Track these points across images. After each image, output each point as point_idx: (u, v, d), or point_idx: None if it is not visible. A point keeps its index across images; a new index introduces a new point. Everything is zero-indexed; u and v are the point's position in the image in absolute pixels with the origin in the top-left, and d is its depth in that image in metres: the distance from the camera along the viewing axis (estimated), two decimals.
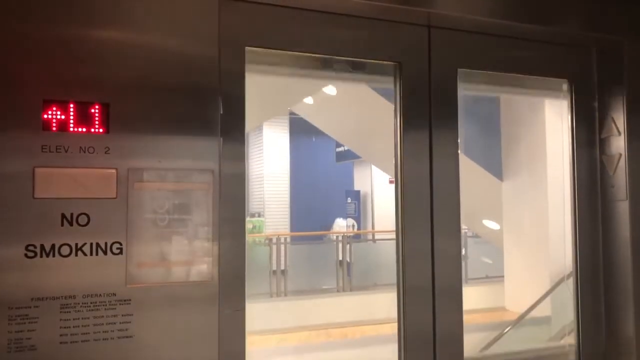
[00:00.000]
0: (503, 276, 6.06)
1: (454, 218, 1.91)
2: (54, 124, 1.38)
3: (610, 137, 2.12)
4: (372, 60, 1.89)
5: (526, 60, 2.08)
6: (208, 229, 1.51)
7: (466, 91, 2.05)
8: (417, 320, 1.84)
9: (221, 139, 1.55)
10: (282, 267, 8.18)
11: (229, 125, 1.59)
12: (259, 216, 12.68)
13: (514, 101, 5.50)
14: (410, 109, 1.87)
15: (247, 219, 1.63)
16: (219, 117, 1.55)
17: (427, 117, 1.89)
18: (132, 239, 1.43)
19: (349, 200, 14.09)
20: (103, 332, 1.39)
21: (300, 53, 1.79)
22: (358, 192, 14.32)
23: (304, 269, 8.64)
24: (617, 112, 2.11)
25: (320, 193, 13.72)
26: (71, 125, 1.39)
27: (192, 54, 1.52)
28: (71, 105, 1.40)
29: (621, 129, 2.09)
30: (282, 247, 8.55)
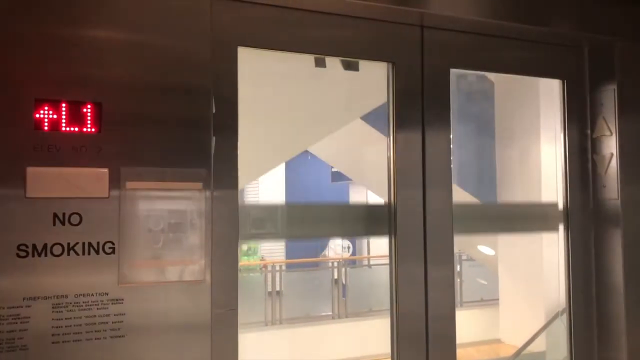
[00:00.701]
0: (498, 299, 6.08)
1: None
2: (46, 124, 1.38)
3: (602, 136, 2.14)
4: (366, 60, 1.90)
5: (518, 60, 2.09)
6: (201, 227, 1.51)
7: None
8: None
9: (214, 138, 1.55)
10: (277, 293, 8.08)
11: (222, 125, 1.59)
12: (254, 251, 12.41)
13: (509, 135, 5.51)
14: (403, 109, 1.87)
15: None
16: (212, 116, 1.55)
17: (420, 117, 1.89)
18: (125, 238, 1.43)
19: None
20: (95, 331, 1.39)
21: (293, 53, 1.79)
22: None
23: (299, 296, 8.60)
24: (608, 112, 2.12)
25: None
26: (63, 124, 1.39)
27: (184, 53, 1.52)
28: (63, 105, 1.39)
29: (613, 128, 2.10)
30: (278, 274, 8.40)
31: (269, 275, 8.26)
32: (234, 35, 1.64)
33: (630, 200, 2.08)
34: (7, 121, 1.34)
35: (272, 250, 12.30)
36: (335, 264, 9.04)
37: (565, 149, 2.17)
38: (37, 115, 1.37)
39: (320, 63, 1.88)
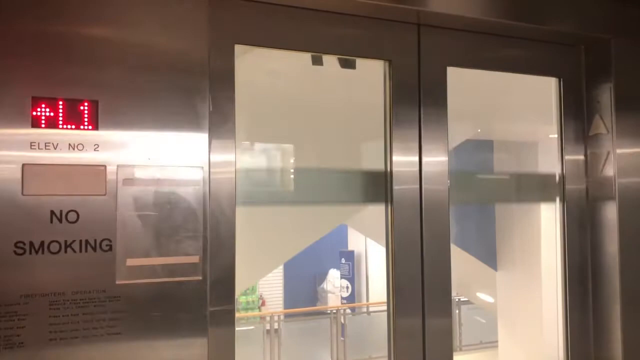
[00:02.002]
0: (497, 341, 6.07)
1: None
2: (43, 121, 1.38)
3: (598, 134, 2.14)
4: (363, 58, 1.90)
5: (515, 58, 2.10)
6: (197, 225, 1.51)
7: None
8: None
9: (211, 136, 1.55)
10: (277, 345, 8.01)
11: (219, 123, 1.59)
12: (253, 290, 11.91)
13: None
14: (400, 107, 1.87)
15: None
16: (208, 114, 1.55)
17: (417, 116, 1.90)
18: (122, 235, 1.43)
19: (343, 260, 13.43)
20: (92, 329, 1.39)
21: (290, 50, 1.79)
22: (352, 252, 13.61)
23: (298, 344, 8.57)
24: (605, 110, 2.13)
25: (314, 253, 13.24)
26: (60, 122, 1.39)
27: (181, 51, 1.52)
28: (60, 102, 1.40)
29: (609, 126, 2.11)
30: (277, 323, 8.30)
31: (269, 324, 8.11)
32: (231, 33, 1.64)
33: (627, 198, 2.09)
34: (4, 119, 1.34)
35: (271, 293, 12.14)
36: (334, 311, 8.99)
37: (561, 147, 2.18)
38: (34, 113, 1.37)
39: (317, 61, 1.88)
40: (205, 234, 1.52)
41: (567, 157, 2.17)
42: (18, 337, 1.33)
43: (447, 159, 1.93)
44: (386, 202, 1.88)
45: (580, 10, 2.07)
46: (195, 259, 1.51)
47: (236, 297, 1.62)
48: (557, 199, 2.19)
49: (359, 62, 1.99)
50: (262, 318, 8.69)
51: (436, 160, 1.92)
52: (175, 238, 1.49)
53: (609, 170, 2.09)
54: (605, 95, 2.12)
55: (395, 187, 1.85)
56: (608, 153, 2.10)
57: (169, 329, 1.47)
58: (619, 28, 2.11)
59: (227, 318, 1.58)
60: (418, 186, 1.88)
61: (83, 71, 1.42)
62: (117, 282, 1.42)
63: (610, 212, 2.09)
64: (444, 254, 1.91)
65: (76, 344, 1.38)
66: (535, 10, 1.99)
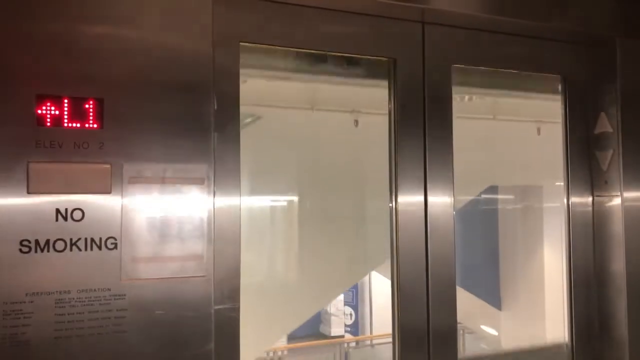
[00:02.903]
0: None
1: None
2: (48, 119, 1.38)
3: (604, 133, 2.14)
4: (367, 56, 1.90)
5: (520, 56, 2.09)
6: (202, 223, 1.51)
7: (460, 93, 2.04)
8: None
9: (215, 134, 1.55)
10: None
11: (223, 121, 1.59)
12: None
13: (512, 241, 5.48)
14: (405, 106, 1.87)
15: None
16: (213, 112, 1.55)
17: (422, 114, 1.89)
18: (127, 234, 1.43)
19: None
20: (98, 327, 1.39)
21: (295, 49, 1.79)
22: None
23: None
24: (610, 109, 2.12)
25: None
26: (65, 120, 1.39)
27: (186, 49, 1.52)
28: (65, 101, 1.40)
29: (614, 125, 2.10)
30: None
31: None
32: (235, 31, 1.64)
33: (633, 197, 2.08)
34: (9, 117, 1.34)
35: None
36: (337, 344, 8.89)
37: (566, 146, 2.17)
38: (39, 111, 1.37)
39: (321, 59, 1.88)
40: (210, 231, 1.52)
41: (572, 157, 2.16)
42: (24, 335, 1.33)
43: (452, 155, 1.93)
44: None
45: (585, 8, 2.06)
46: (200, 256, 1.51)
47: None
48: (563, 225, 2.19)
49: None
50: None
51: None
52: (180, 236, 1.49)
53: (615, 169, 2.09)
54: (611, 94, 2.12)
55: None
56: (613, 151, 2.09)
57: (174, 327, 1.47)
58: (624, 26, 2.11)
59: (232, 316, 1.58)
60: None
61: (88, 69, 1.42)
62: (122, 281, 1.42)
63: (616, 214, 2.09)
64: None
65: (82, 342, 1.38)
66: (541, 9, 1.99)
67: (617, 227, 2.08)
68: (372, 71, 2.03)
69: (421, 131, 1.89)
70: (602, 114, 2.14)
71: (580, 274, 2.14)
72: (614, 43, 2.10)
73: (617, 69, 2.10)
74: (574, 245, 2.14)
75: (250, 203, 1.96)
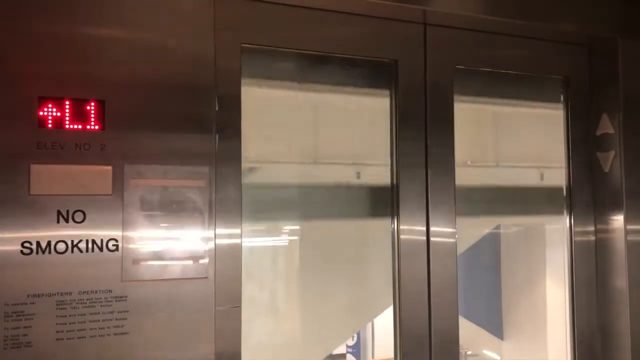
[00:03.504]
0: None
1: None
2: (50, 121, 1.38)
3: (605, 134, 2.13)
4: (369, 58, 1.90)
5: (521, 58, 2.09)
6: (204, 224, 1.51)
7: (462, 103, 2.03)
8: None
9: (217, 135, 1.55)
10: None
11: (225, 123, 1.59)
12: None
13: (514, 274, 5.45)
14: (406, 107, 1.87)
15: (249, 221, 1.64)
16: (215, 114, 1.55)
17: (423, 115, 1.89)
18: (128, 235, 1.43)
19: None
20: (99, 328, 1.40)
21: (296, 50, 1.79)
22: None
23: None
24: (611, 110, 2.12)
25: None
26: (67, 122, 1.40)
27: (187, 51, 1.53)
28: (67, 102, 1.40)
29: (616, 126, 2.10)
30: None
31: None
32: (237, 33, 1.64)
33: (634, 198, 2.08)
34: (11, 119, 1.35)
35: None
36: None
37: (568, 147, 2.17)
38: (41, 113, 1.37)
39: (322, 60, 1.88)
40: (211, 233, 1.52)
41: (573, 157, 2.16)
42: (25, 337, 1.33)
43: (454, 157, 1.93)
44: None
45: (587, 9, 2.06)
46: (202, 258, 1.51)
47: None
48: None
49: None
50: None
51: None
52: (181, 237, 1.49)
53: (616, 170, 2.08)
54: (613, 95, 2.11)
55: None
56: (615, 152, 2.09)
57: (175, 328, 1.47)
58: (626, 27, 2.10)
59: (233, 317, 1.58)
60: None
61: (89, 71, 1.43)
62: (124, 282, 1.42)
63: (617, 215, 2.08)
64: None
65: (83, 344, 1.38)
66: (542, 10, 1.98)
67: (619, 230, 2.08)
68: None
69: (422, 133, 1.89)
70: (604, 115, 2.13)
71: (583, 272, 2.13)
72: (616, 44, 2.10)
73: (619, 70, 2.10)
74: (575, 249, 2.13)
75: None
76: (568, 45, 2.15)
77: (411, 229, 1.86)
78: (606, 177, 2.12)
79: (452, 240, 1.91)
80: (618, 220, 2.07)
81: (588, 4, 2.06)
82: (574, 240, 2.14)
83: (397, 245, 1.85)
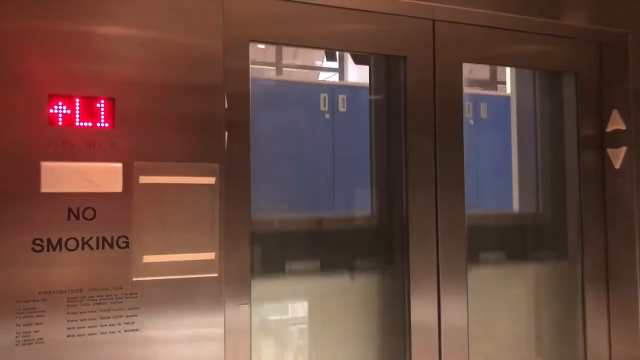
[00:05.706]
0: None
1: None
2: (60, 119, 1.38)
3: (616, 130, 2.12)
4: (377, 54, 1.89)
5: (531, 53, 2.08)
6: (213, 222, 1.51)
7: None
8: None
9: (226, 133, 1.55)
10: None
11: (234, 120, 1.59)
12: None
13: None
14: (415, 103, 1.86)
15: None
16: (224, 111, 1.55)
17: (432, 111, 1.89)
18: (138, 232, 1.43)
19: None
20: (110, 325, 1.40)
21: (305, 47, 1.79)
22: None
23: None
24: (622, 106, 2.10)
25: None
26: (77, 119, 1.40)
27: (196, 49, 1.52)
28: (77, 100, 1.40)
29: (627, 122, 2.08)
30: None
31: None
32: (245, 30, 1.64)
33: None
34: (21, 117, 1.35)
35: None
36: None
37: (578, 144, 2.16)
38: (51, 111, 1.38)
39: (331, 57, 1.87)
40: (221, 229, 1.52)
41: (584, 153, 2.14)
42: (37, 334, 1.33)
43: (463, 152, 1.92)
44: None
45: (596, 5, 2.05)
46: (211, 255, 1.51)
47: None
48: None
49: None
50: None
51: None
52: (191, 235, 1.49)
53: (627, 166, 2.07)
54: (623, 91, 2.10)
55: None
56: (627, 149, 2.07)
57: (185, 325, 1.47)
58: (636, 23, 2.08)
59: (243, 315, 1.58)
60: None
61: (99, 69, 1.43)
62: (134, 279, 1.43)
63: (629, 212, 2.06)
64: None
65: (94, 341, 1.38)
66: (551, 5, 1.97)
67: (631, 226, 2.06)
68: None
69: (432, 129, 1.88)
70: (615, 111, 2.12)
71: (593, 265, 2.12)
72: (627, 39, 2.08)
73: (630, 66, 2.08)
74: (585, 243, 2.12)
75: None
76: (578, 41, 2.13)
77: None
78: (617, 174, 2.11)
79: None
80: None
81: (599, 0, 2.04)
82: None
83: None
